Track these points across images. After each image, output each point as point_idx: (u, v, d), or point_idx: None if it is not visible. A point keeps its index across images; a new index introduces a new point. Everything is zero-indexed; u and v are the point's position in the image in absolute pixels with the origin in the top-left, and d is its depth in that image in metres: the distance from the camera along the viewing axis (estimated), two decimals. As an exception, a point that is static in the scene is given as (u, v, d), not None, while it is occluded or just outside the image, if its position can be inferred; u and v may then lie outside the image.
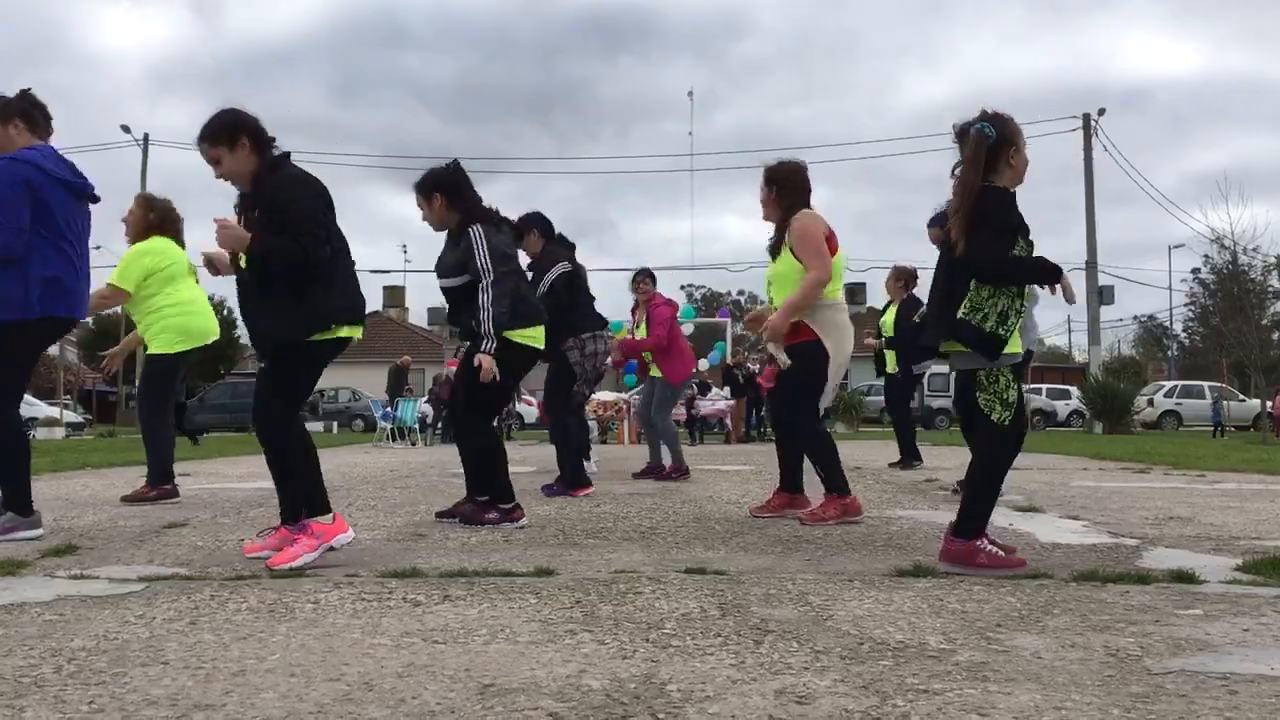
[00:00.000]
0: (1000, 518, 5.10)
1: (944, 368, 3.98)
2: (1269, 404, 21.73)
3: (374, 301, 54.77)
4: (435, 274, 4.95)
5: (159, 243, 6.10)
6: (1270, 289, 26.65)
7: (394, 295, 51.34)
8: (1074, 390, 34.27)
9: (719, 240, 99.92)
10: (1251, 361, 21.23)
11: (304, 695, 1.99)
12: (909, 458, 8.99)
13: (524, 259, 5.72)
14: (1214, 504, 5.84)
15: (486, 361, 4.66)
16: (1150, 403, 31.17)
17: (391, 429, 18.18)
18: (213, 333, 6.32)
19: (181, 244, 6.22)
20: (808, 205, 5.07)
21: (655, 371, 8.20)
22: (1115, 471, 8.97)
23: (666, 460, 8.16)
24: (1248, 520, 5.02)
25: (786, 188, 5.06)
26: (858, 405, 26.84)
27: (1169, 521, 4.97)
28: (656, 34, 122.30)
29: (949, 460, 9.50)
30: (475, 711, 1.90)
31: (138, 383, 6.21)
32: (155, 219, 6.17)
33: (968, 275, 3.48)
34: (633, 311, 8.48)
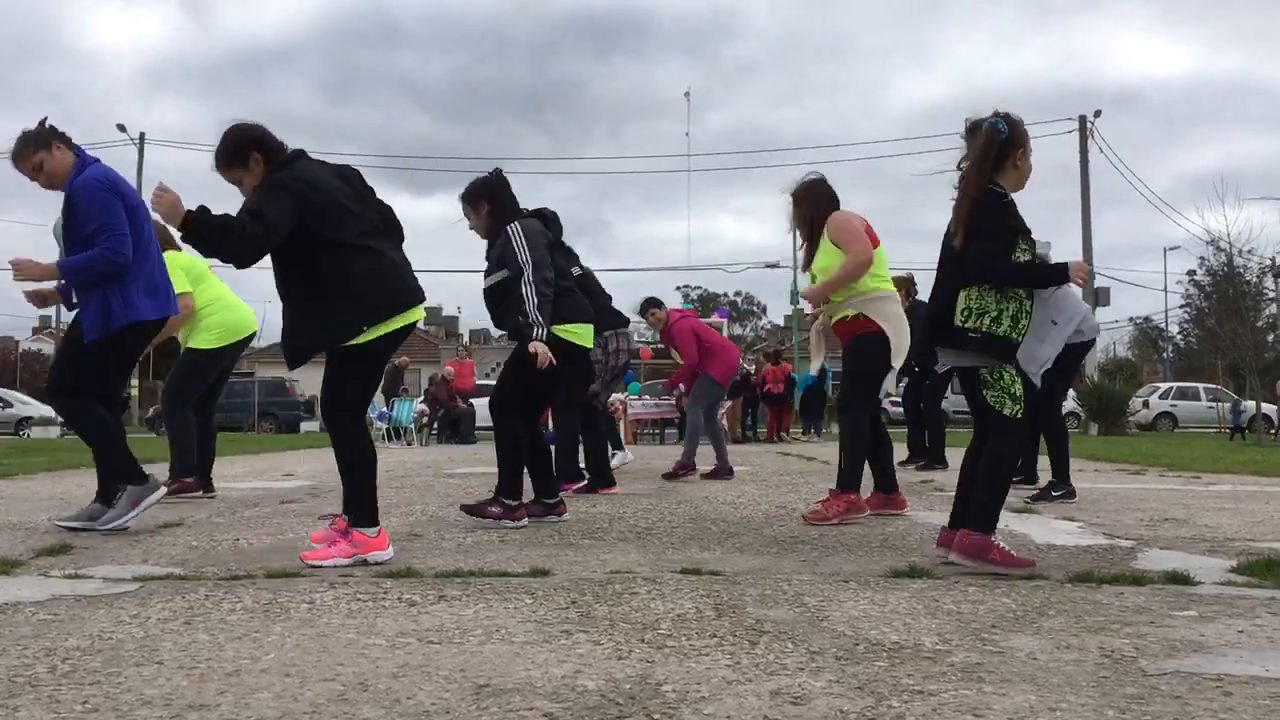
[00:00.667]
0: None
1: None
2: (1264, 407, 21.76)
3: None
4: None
5: (173, 255, 6.06)
6: (1265, 291, 26.73)
7: (391, 295, 51.25)
8: (1069, 391, 34.29)
9: (714, 241, 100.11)
10: (1246, 363, 21.28)
11: (299, 695, 1.99)
12: (939, 460, 9.01)
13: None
14: (1209, 506, 5.85)
15: (540, 349, 4.69)
16: (1146, 404, 31.21)
17: (387, 429, 18.17)
18: (251, 326, 6.32)
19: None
20: (836, 208, 5.14)
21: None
22: (1111, 473, 8.98)
23: (689, 460, 8.14)
24: (1243, 522, 5.03)
25: (808, 200, 5.14)
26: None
27: (1164, 523, 4.98)
28: (649, 34, 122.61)
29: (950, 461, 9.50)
30: (470, 712, 1.89)
31: (170, 374, 6.22)
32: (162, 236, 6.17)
33: (962, 281, 3.50)
34: (661, 339, 8.46)
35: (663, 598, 2.98)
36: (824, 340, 5.82)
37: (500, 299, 4.95)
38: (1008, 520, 5.05)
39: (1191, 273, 33.75)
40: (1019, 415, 3.56)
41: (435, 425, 19.35)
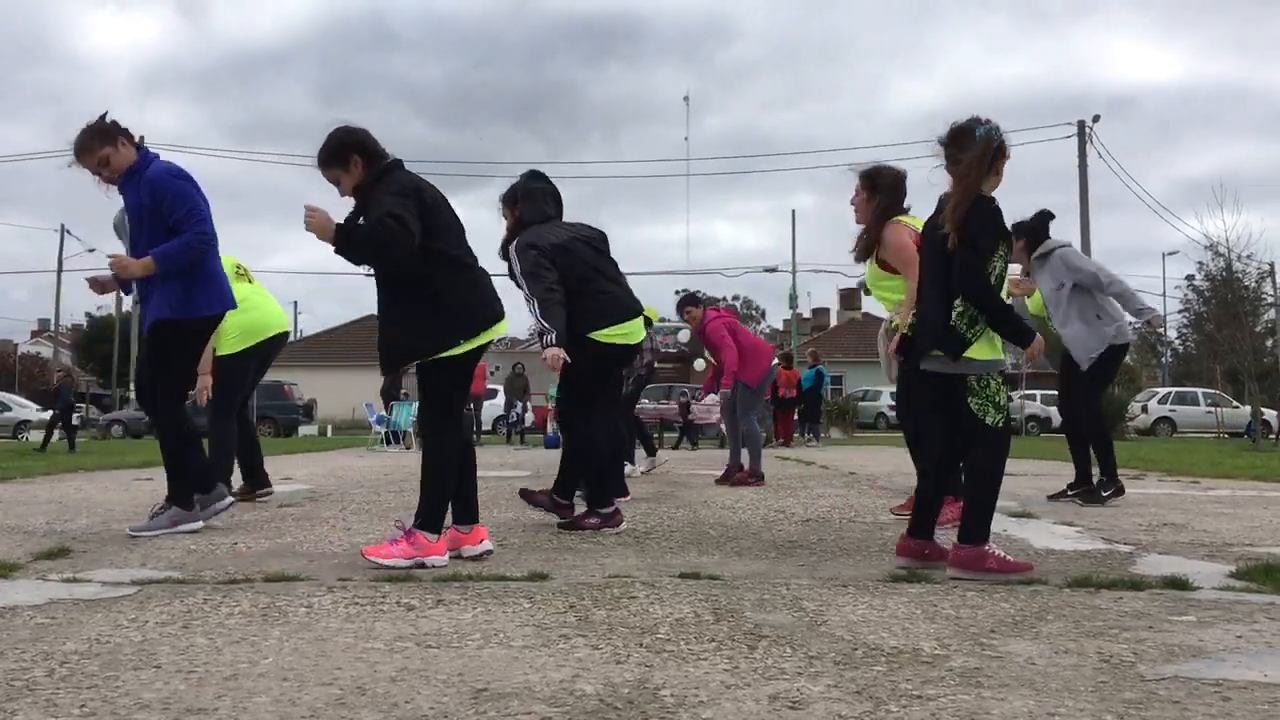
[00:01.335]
0: (994, 523, 5.10)
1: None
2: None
3: (370, 304, 54.66)
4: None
5: None
6: (1264, 296, 26.75)
7: (390, 298, 51.27)
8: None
9: (711, 245, 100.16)
10: (1245, 368, 21.30)
11: (297, 700, 1.99)
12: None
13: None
14: (1208, 510, 5.85)
15: (551, 353, 4.70)
16: (1144, 409, 31.22)
17: (386, 432, 18.15)
18: (278, 324, 6.31)
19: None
20: (902, 213, 5.06)
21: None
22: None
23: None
24: (1241, 527, 5.03)
25: (885, 193, 5.02)
26: (853, 411, 26.86)
27: (1163, 528, 4.98)
28: (644, 39, 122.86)
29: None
30: (469, 716, 1.89)
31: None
32: None
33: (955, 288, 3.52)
34: (698, 335, 8.45)
35: (661, 602, 2.98)
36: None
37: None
38: (1006, 525, 5.05)
39: (1190, 278, 33.78)
40: (1000, 425, 3.57)
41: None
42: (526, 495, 5.25)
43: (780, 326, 58.54)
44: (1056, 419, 34.27)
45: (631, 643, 2.47)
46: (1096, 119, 30.29)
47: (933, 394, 3.77)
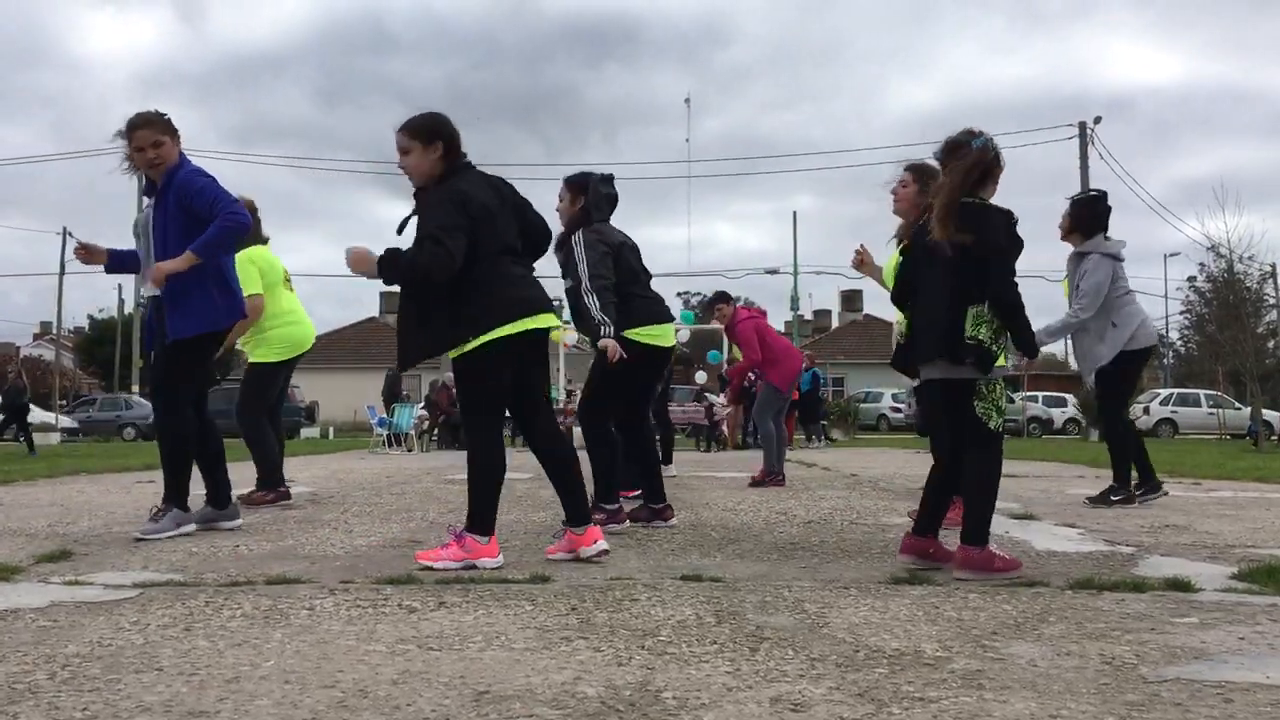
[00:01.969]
0: (996, 525, 5.09)
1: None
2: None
3: (371, 306, 54.84)
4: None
5: (259, 251, 6.10)
6: (1266, 297, 26.74)
7: (390, 300, 51.35)
8: (1070, 398, 34.29)
9: (711, 246, 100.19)
10: (1247, 369, 21.29)
11: (298, 702, 1.99)
12: None
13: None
14: (1210, 512, 5.85)
15: (610, 344, 4.82)
16: (1146, 411, 31.19)
17: (387, 435, 18.16)
18: (312, 338, 6.46)
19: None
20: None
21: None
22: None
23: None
24: (1243, 528, 5.03)
25: (925, 188, 4.96)
26: (854, 413, 26.87)
27: (1165, 529, 4.97)
28: (641, 42, 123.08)
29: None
30: (470, 718, 1.89)
31: (240, 390, 6.32)
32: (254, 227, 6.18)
33: (982, 297, 3.54)
34: (726, 332, 8.43)
35: (663, 604, 2.98)
36: None
37: (571, 304, 5.10)
38: (1008, 526, 5.05)
39: (1192, 279, 33.73)
40: (1001, 429, 3.64)
41: (435, 431, 19.34)
42: (632, 516, 5.21)
43: (782, 328, 58.48)
44: (1058, 421, 34.30)
45: (633, 645, 2.47)
46: (1098, 120, 30.36)
47: (935, 397, 3.80)
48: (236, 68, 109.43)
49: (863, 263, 5.19)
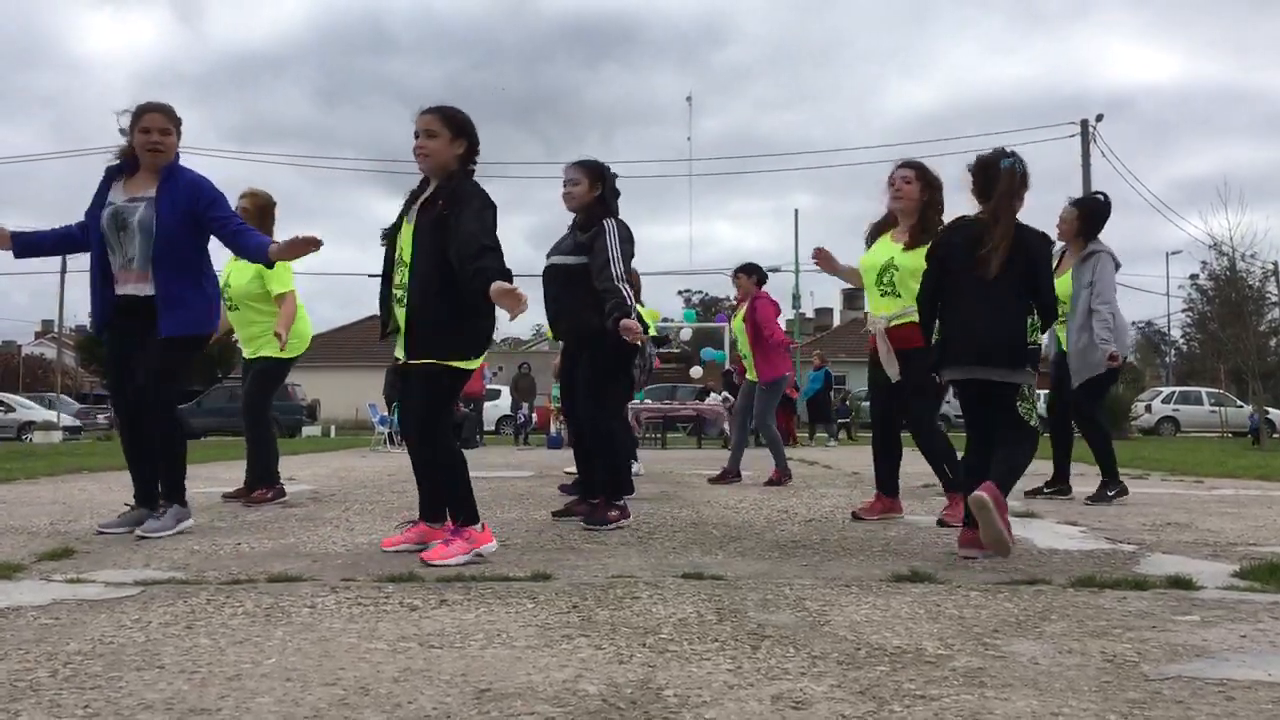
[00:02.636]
0: (998, 523, 5.10)
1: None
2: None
3: (371, 305, 54.73)
4: (550, 254, 5.15)
5: None
6: (1268, 295, 26.70)
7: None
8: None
9: (711, 245, 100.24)
10: (1249, 368, 21.26)
11: (300, 700, 1.99)
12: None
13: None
14: (1211, 510, 5.85)
15: (633, 323, 4.79)
16: (1148, 409, 31.18)
17: (388, 433, 18.15)
18: (310, 337, 6.52)
19: None
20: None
21: (753, 376, 8.07)
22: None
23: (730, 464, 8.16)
24: (1245, 526, 5.03)
25: (935, 189, 5.09)
26: (855, 411, 26.84)
27: (1166, 527, 4.97)
28: (639, 42, 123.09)
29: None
30: (471, 716, 1.89)
31: (248, 385, 6.32)
32: (270, 220, 6.16)
33: (1039, 311, 4.01)
34: (746, 309, 8.30)
35: (664, 602, 2.98)
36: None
37: (565, 284, 5.00)
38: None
39: (1194, 277, 33.70)
40: (1036, 424, 4.08)
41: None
42: (566, 513, 5.27)
43: (783, 326, 58.52)
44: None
45: (634, 643, 2.47)
46: (1100, 118, 30.21)
47: (971, 399, 4.12)
48: (236, 68, 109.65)
49: (824, 260, 5.22)
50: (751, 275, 8.23)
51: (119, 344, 4.62)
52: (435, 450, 3.94)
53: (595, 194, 5.11)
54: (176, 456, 4.64)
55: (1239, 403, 31.24)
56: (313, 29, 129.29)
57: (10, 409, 31.33)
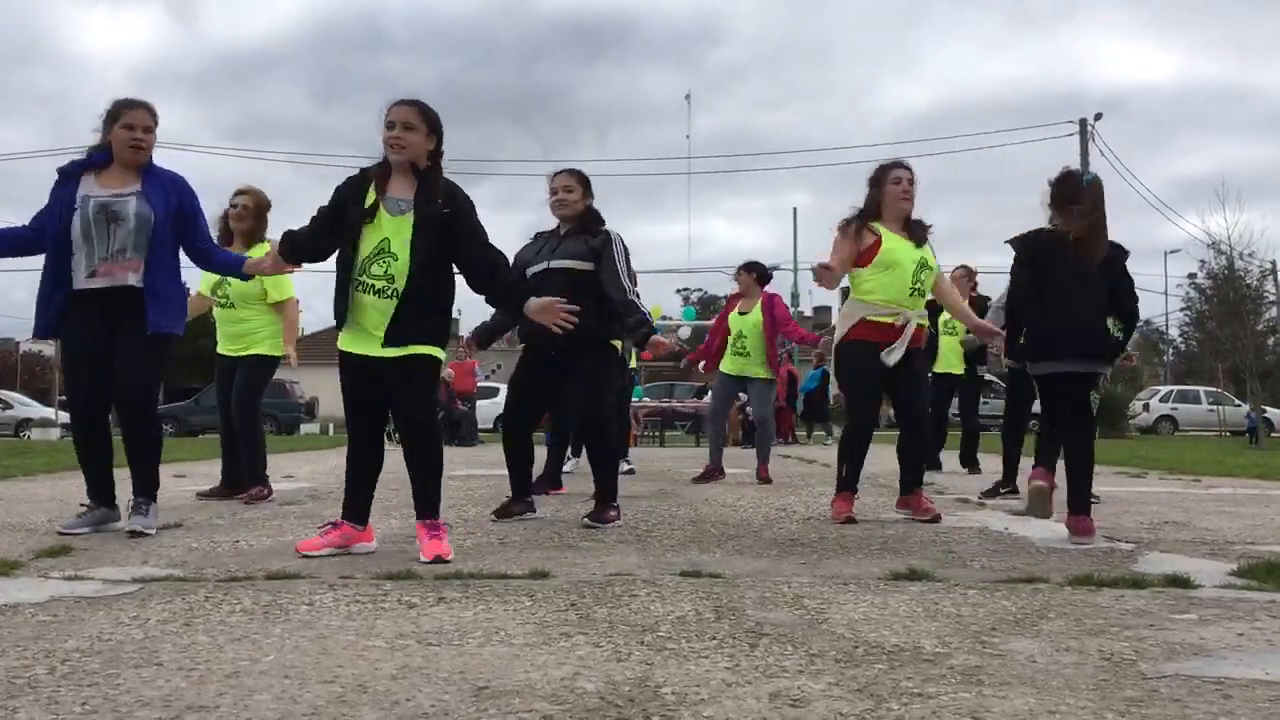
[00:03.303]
0: (996, 522, 5.11)
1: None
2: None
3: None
4: (545, 258, 5.05)
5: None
6: (1266, 294, 26.73)
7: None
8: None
9: (709, 244, 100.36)
10: (1247, 366, 21.29)
11: (298, 697, 1.99)
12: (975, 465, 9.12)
13: None
14: (1209, 509, 5.85)
15: (662, 339, 5.13)
16: (1146, 407, 31.18)
17: (387, 431, 18.14)
18: None
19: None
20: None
21: (762, 372, 8.03)
22: (1110, 476, 8.96)
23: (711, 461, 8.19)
24: (1243, 525, 5.03)
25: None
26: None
27: (1164, 526, 4.98)
28: (634, 41, 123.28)
29: (947, 464, 9.50)
30: (469, 714, 1.89)
31: (240, 384, 6.23)
32: (264, 222, 6.19)
33: (1122, 318, 4.55)
34: (731, 300, 8.33)
35: (662, 600, 2.98)
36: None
37: (573, 288, 4.96)
38: (1008, 523, 5.05)
39: (1192, 276, 33.75)
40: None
41: (435, 428, 19.27)
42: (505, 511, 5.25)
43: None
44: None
45: (632, 640, 2.47)
46: (1099, 117, 30.22)
47: (1059, 389, 4.48)
48: (231, 65, 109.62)
49: (828, 280, 5.19)
50: (752, 272, 8.25)
51: (86, 341, 4.43)
52: (432, 438, 4.06)
53: (587, 202, 5.11)
54: (159, 453, 4.64)
55: (1237, 402, 31.27)
56: (308, 27, 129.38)
57: (8, 406, 31.31)
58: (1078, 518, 4.34)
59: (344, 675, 2.15)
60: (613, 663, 2.26)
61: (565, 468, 7.86)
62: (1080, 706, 1.93)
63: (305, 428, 28.82)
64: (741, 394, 9.15)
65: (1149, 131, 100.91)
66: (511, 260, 4.55)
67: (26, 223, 4.54)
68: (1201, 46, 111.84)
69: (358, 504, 4.02)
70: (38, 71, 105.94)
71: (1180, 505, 6.03)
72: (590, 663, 2.26)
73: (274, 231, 6.28)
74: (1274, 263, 24.92)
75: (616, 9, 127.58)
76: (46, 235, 4.39)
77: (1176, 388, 34.65)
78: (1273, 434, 22.94)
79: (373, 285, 3.85)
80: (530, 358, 5.16)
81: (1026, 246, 4.53)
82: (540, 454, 7.03)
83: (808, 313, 54.73)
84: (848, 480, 5.25)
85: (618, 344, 5.24)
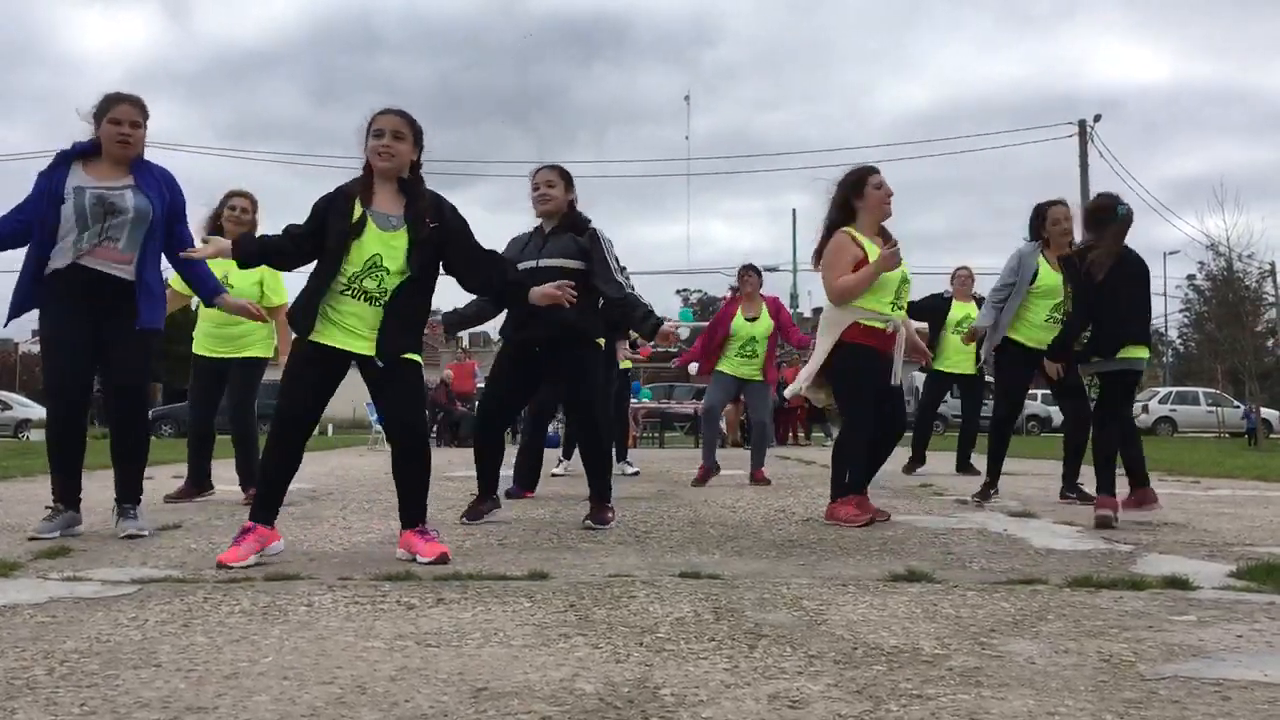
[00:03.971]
0: (995, 523, 5.11)
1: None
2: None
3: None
4: (534, 255, 4.98)
5: None
6: (1265, 296, 26.74)
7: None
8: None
9: (706, 245, 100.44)
10: (1246, 368, 21.30)
11: (296, 698, 1.99)
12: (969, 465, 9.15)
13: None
14: (1208, 510, 5.85)
15: (670, 329, 5.18)
16: (1145, 409, 31.19)
17: (378, 436, 18.13)
18: None
19: None
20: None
21: (761, 376, 8.09)
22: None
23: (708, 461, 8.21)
24: (1242, 526, 5.03)
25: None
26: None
27: (1163, 527, 4.98)
28: (629, 42, 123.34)
29: (944, 465, 9.51)
30: (468, 715, 1.89)
31: (237, 386, 6.29)
32: (254, 225, 6.19)
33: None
34: (733, 302, 8.35)
35: (661, 601, 2.98)
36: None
37: (612, 296, 4.98)
38: (1006, 524, 5.05)
39: (1191, 277, 33.81)
40: None
41: (434, 429, 19.31)
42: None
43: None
44: (1057, 419, 34.29)
45: (631, 642, 2.47)
46: (1098, 118, 30.22)
47: (1116, 383, 5.19)
48: (226, 65, 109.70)
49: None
50: (759, 275, 8.38)
51: (70, 327, 4.32)
52: (425, 445, 4.07)
53: (570, 198, 5.10)
54: (147, 453, 4.65)
55: (1235, 403, 31.29)
56: (303, 28, 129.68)
57: (7, 406, 31.29)
58: (1145, 490, 5.25)
59: (343, 676, 2.15)
60: (611, 664, 2.26)
61: (556, 470, 7.87)
62: (1079, 708, 1.93)
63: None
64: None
65: (1145, 132, 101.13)
66: None
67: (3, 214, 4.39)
68: (1198, 47, 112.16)
69: (274, 503, 3.85)
70: (34, 71, 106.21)
71: (1179, 506, 6.03)
72: (589, 664, 2.26)
73: (263, 230, 6.32)
74: (1273, 264, 24.97)
75: (611, 10, 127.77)
76: (33, 225, 4.29)
77: (1175, 389, 34.68)
78: (1271, 435, 22.96)
79: (365, 291, 3.80)
80: (512, 355, 5.10)
81: (1087, 263, 5.09)
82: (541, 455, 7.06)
83: (807, 314, 54.69)
84: (858, 483, 5.12)
85: (601, 342, 5.26)
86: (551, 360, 4.98)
